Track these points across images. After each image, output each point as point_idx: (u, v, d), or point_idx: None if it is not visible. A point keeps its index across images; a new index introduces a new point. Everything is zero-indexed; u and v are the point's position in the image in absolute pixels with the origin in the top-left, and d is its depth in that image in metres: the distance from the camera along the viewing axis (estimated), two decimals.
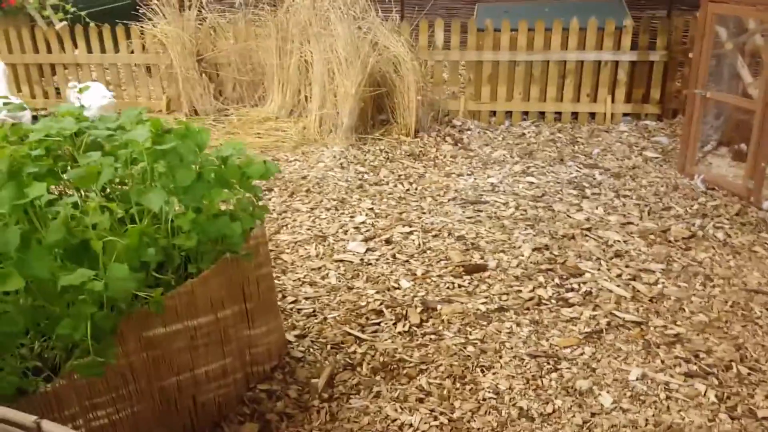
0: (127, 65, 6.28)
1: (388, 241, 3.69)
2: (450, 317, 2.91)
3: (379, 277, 3.30)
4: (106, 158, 1.91)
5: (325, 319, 2.94)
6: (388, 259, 3.50)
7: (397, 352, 2.66)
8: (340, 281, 3.27)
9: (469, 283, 3.21)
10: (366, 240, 3.72)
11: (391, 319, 2.91)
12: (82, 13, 6.30)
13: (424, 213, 4.05)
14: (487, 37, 5.66)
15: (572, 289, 3.13)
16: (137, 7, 6.12)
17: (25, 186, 1.57)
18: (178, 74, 5.97)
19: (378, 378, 2.52)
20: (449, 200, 4.23)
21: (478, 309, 2.97)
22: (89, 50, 6.25)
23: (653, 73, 5.59)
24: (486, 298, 3.07)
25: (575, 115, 5.78)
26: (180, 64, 5.91)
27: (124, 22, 6.14)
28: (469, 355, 2.63)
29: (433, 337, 2.77)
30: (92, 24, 6.04)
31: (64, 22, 6.92)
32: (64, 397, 1.67)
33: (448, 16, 7.36)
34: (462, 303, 3.02)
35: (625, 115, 5.73)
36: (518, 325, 2.84)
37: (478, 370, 2.55)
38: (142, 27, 6.06)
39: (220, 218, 2.07)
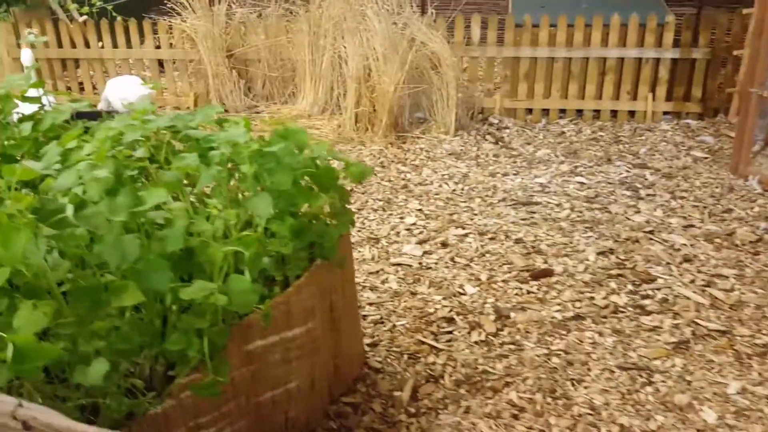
0: (153, 61, 6.14)
1: (444, 244, 3.57)
2: (526, 326, 2.78)
3: (441, 281, 3.18)
4: (203, 160, 1.78)
5: (394, 326, 2.82)
6: (447, 262, 3.37)
7: (478, 364, 2.54)
8: (401, 286, 3.15)
9: (538, 289, 3.09)
10: (421, 242, 3.59)
11: (465, 328, 2.78)
12: (109, 7, 6.15)
13: (475, 214, 3.93)
14: (525, 33, 5.54)
15: (647, 296, 3.01)
16: (162, 2, 5.96)
17: (134, 191, 1.44)
18: (207, 70, 5.83)
19: (463, 391, 2.40)
20: (499, 201, 4.10)
21: (553, 317, 2.85)
22: (114, 45, 6.10)
23: (695, 71, 5.47)
24: (559, 305, 2.95)
25: (614, 113, 5.66)
26: (210, 59, 5.77)
27: (146, 15, 6.01)
28: (555, 368, 2.51)
29: (512, 347, 2.65)
30: (119, 18, 5.89)
31: (85, 16, 6.78)
32: (172, 418, 1.54)
33: (468, 11, 7.21)
34: (536, 311, 2.90)
35: (665, 113, 5.61)
36: (600, 334, 2.72)
37: (568, 383, 2.43)
38: (170, 22, 5.91)
39: (316, 223, 1.95)
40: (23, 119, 2.19)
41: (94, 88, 6.29)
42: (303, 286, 1.97)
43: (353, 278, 2.31)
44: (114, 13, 6.08)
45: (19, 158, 1.98)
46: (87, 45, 6.12)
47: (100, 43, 6.13)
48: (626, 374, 2.47)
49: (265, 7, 5.90)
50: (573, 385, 2.42)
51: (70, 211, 1.30)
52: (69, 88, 6.32)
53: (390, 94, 5.02)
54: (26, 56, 5.03)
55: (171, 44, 5.99)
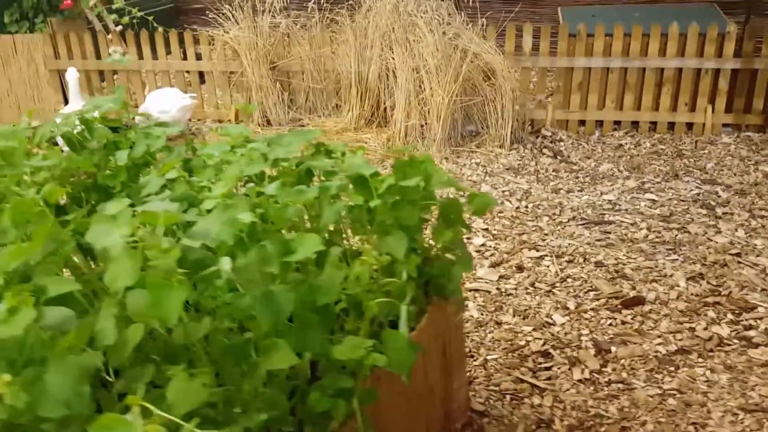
0: (194, 72, 6.00)
1: (519, 268, 3.38)
2: (630, 362, 2.60)
3: (526, 310, 2.99)
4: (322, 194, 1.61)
5: (486, 361, 2.64)
6: (527, 288, 3.19)
7: (588, 406, 2.35)
8: (483, 314, 2.97)
9: (632, 319, 2.90)
10: (494, 266, 3.41)
11: (564, 363, 2.60)
12: (150, 18, 6.02)
13: (546, 234, 3.74)
14: (579, 43, 5.35)
15: (751, 327, 2.82)
16: (204, 12, 5.83)
17: (283, 237, 1.26)
18: (250, 82, 5.69)
19: None
20: (569, 220, 3.92)
21: (657, 351, 2.66)
22: (154, 56, 5.97)
23: (756, 82, 5.27)
24: (659, 337, 2.76)
25: (671, 125, 5.46)
26: (254, 71, 5.63)
27: (187, 26, 5.88)
28: (673, 410, 2.32)
29: (620, 386, 2.46)
30: (160, 29, 5.76)
31: (120, 27, 6.66)
32: None
33: (518, 21, 7.04)
34: (636, 344, 2.71)
35: (724, 125, 5.40)
36: (712, 371, 2.53)
37: (691, 428, 2.23)
38: (211, 33, 5.78)
39: (439, 262, 1.77)
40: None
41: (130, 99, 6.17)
42: (424, 329, 1.80)
43: (463, 318, 2.14)
44: (155, 24, 5.94)
45: (116, 190, 1.82)
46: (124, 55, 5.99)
47: (126, 56, 6.00)
48: (751, 417, 2.28)
49: (310, 17, 5.75)
50: (696, 429, 2.23)
51: (227, 264, 1.13)
52: None
53: (445, 106, 4.85)
54: (72, 75, 4.89)
55: (211, 56, 5.86)
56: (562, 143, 5.24)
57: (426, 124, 5.04)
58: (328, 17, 5.77)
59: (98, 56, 6.06)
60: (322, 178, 2.04)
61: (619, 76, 5.38)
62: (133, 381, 1.11)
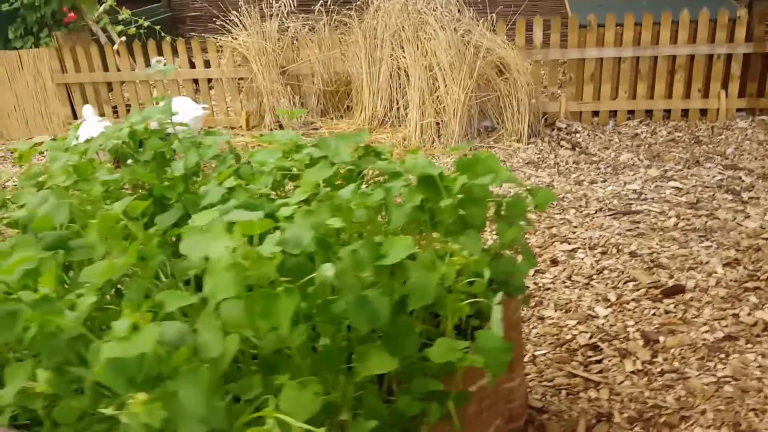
0: (203, 80, 5.97)
1: (554, 261, 3.37)
2: (680, 351, 2.58)
3: (567, 303, 2.98)
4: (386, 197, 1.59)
5: (535, 357, 2.62)
6: (564, 281, 3.17)
7: (645, 397, 2.34)
8: (525, 310, 2.95)
9: (675, 308, 2.89)
10: None
11: (614, 356, 2.58)
12: (157, 27, 5.99)
13: (575, 227, 3.73)
14: (590, 34, 5.34)
15: None
16: (200, 20, 5.80)
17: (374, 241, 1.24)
18: (261, 87, 5.66)
19: (639, 429, 2.19)
20: (596, 211, 3.91)
21: (705, 339, 2.65)
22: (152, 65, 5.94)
23: None
24: (705, 325, 2.75)
25: (685, 112, 5.45)
26: (264, 76, 5.60)
27: (193, 34, 5.85)
28: (730, 397, 2.31)
29: (674, 376, 2.45)
30: (167, 38, 5.73)
31: (123, 38, 6.63)
32: None
33: (524, 14, 7.03)
34: (683, 333, 2.69)
35: (738, 110, 5.40)
36: (763, 356, 2.52)
37: (752, 415, 2.22)
38: (219, 40, 5.75)
39: (504, 259, 1.76)
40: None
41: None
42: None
43: (520, 314, 2.12)
44: (162, 33, 5.91)
45: (172, 201, 1.79)
46: (134, 67, 5.96)
47: (136, 67, 5.97)
48: None
49: (317, 20, 5.73)
50: (757, 416, 2.22)
51: (329, 270, 1.11)
52: (116, 112, 6.17)
53: (461, 103, 4.84)
54: (88, 111, 4.82)
55: (220, 63, 5.83)
56: (578, 135, 5.23)
57: (442, 121, 5.02)
58: (335, 19, 5.74)
59: (105, 68, 6.03)
60: (377, 180, 2.03)
61: (631, 66, 5.37)
62: (240, 392, 1.09)
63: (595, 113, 5.55)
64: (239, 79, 5.87)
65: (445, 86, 4.94)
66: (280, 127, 5.75)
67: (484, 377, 1.76)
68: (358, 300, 1.18)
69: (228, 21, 5.71)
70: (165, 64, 2.72)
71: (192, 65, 5.91)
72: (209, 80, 6.01)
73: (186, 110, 5.36)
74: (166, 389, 0.90)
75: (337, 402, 1.17)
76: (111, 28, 6.51)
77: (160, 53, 5.87)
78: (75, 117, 6.18)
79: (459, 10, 5.33)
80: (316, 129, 5.66)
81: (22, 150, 2.11)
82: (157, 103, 2.19)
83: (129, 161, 2.13)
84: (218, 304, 1.13)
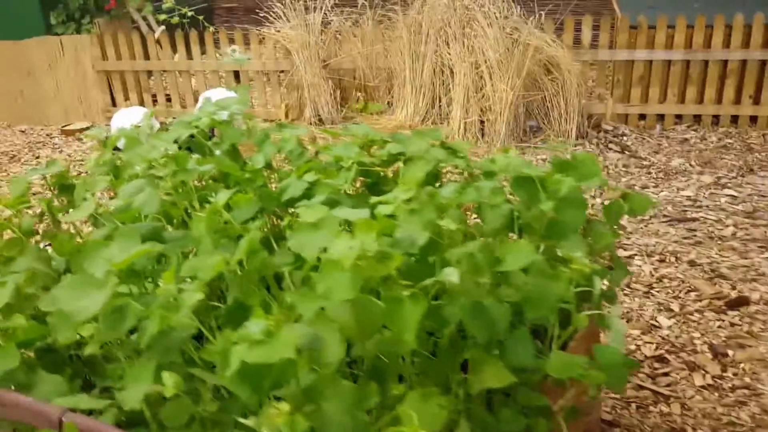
0: (245, 72, 5.93)
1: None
2: (750, 366, 2.49)
3: (628, 312, 2.89)
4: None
5: None
6: (623, 289, 3.08)
7: (718, 413, 2.25)
8: None
9: (741, 321, 2.79)
10: None
11: (682, 368, 2.49)
12: (200, 17, 5.96)
13: (630, 233, 3.63)
14: (640, 35, 5.23)
15: None
16: (254, 12, 5.76)
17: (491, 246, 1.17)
18: (302, 81, 5.61)
19: None
20: (650, 217, 3.80)
21: None
22: (189, 56, 5.91)
23: None
24: None
25: (734, 118, 5.32)
26: (306, 69, 5.55)
27: (237, 26, 5.82)
28: None
29: (746, 392, 2.35)
30: (210, 28, 5.69)
31: (162, 27, 6.61)
32: None
33: (571, 13, 6.91)
34: (752, 347, 2.60)
35: None
36: None
37: None
38: (262, 31, 5.71)
39: (595, 267, 1.68)
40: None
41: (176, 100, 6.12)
42: (579, 339, 1.70)
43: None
44: (205, 23, 5.88)
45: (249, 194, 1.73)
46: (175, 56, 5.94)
47: (176, 56, 5.95)
48: None
49: (361, 14, 5.66)
50: None
51: (453, 275, 1.04)
52: (155, 101, 6.15)
53: (508, 102, 4.75)
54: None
55: (261, 54, 5.79)
56: (625, 137, 5.12)
57: (487, 120, 4.94)
58: (379, 13, 5.67)
59: (146, 57, 6.01)
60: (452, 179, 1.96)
61: (681, 69, 5.25)
62: (358, 402, 1.03)
63: (642, 116, 5.43)
64: (281, 71, 5.82)
65: (492, 84, 4.85)
66: (320, 121, 5.69)
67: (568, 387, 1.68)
68: (474, 307, 1.11)
69: (271, 13, 5.66)
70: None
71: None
72: (236, 72, 5.97)
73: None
74: (308, 399, 0.84)
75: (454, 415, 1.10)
76: (152, 17, 6.49)
77: (202, 43, 5.84)
78: (114, 104, 6.18)
79: (506, 7, 5.23)
80: (356, 124, 5.58)
81: (94, 136, 2.07)
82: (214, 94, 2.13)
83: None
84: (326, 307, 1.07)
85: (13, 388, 1.06)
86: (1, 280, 1.10)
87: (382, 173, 1.98)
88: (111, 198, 2.00)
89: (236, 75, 5.97)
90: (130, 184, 1.42)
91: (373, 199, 1.40)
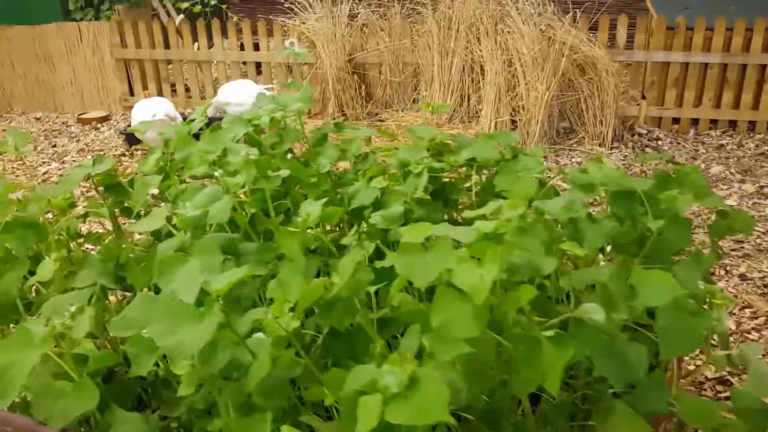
0: (267, 64, 5.79)
1: None
2: None
3: None
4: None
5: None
6: None
7: None
8: None
9: None
10: None
11: None
12: (224, 6, 5.81)
13: None
14: (677, 37, 5.07)
15: None
16: (279, 2, 5.61)
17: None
18: (327, 75, 5.46)
19: None
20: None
21: None
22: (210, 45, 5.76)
23: None
24: None
25: None
26: (332, 63, 5.40)
27: (261, 16, 5.67)
28: None
29: None
30: (234, 18, 5.54)
31: (182, 15, 6.46)
32: None
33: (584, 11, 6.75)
34: None
35: None
36: None
37: None
38: (286, 23, 5.56)
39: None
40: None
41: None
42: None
43: None
44: (229, 14, 5.73)
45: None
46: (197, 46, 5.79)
47: (196, 45, 5.81)
48: None
49: (389, 7, 5.51)
50: None
51: (598, 313, 0.90)
52: (174, 91, 6.01)
53: (544, 102, 4.60)
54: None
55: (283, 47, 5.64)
56: (660, 142, 4.97)
57: (520, 120, 4.79)
58: (407, 7, 5.52)
59: (167, 45, 5.86)
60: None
61: (718, 72, 5.09)
62: None
63: (675, 120, 5.28)
64: (303, 64, 5.67)
65: (526, 83, 4.70)
66: (344, 116, 5.55)
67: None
68: (607, 348, 0.98)
69: (295, 3, 5.51)
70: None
71: (242, 48, 5.73)
72: (258, 64, 5.81)
73: (250, 93, 5.18)
74: None
75: None
76: (171, 4, 6.34)
77: (225, 34, 5.69)
78: (132, 93, 6.04)
79: (539, 4, 5.08)
80: (382, 121, 5.45)
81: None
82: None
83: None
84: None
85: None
86: (78, 305, 0.96)
87: (450, 180, 1.85)
88: (155, 198, 1.86)
89: (257, 66, 5.82)
90: (204, 191, 1.28)
91: (468, 214, 1.26)
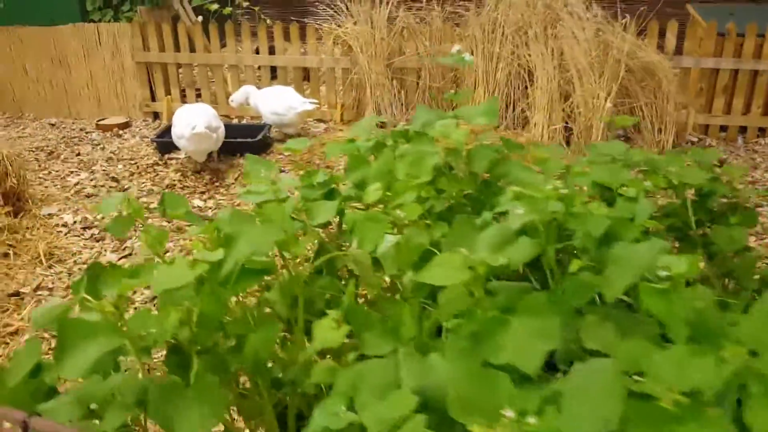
0: (298, 69, 5.55)
1: None
2: None
3: None
4: None
5: None
6: None
7: None
8: None
9: None
10: None
11: None
12: (256, 9, 5.56)
13: None
14: (728, 43, 4.97)
15: None
16: (312, 4, 5.39)
17: None
18: (365, 80, 5.25)
19: None
20: None
21: None
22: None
23: None
24: None
25: None
26: (371, 68, 5.19)
27: (294, 19, 5.44)
28: None
29: None
30: (267, 20, 5.30)
31: (200, 17, 6.21)
32: None
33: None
34: None
35: None
36: None
37: None
38: (321, 26, 5.33)
39: None
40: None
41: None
42: None
43: None
44: (262, 16, 5.48)
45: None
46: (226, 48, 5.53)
47: (223, 49, 5.57)
48: None
49: (429, 10, 5.32)
50: None
51: None
52: (198, 96, 5.73)
53: (603, 110, 4.45)
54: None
55: (319, 51, 5.42)
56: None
57: (576, 127, 4.63)
58: (448, 10, 5.34)
59: (192, 49, 5.59)
60: None
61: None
62: None
63: (723, 128, 5.18)
64: (340, 69, 5.46)
65: (582, 90, 4.54)
66: (382, 122, 5.32)
67: None
68: None
69: (334, 6, 5.29)
70: (468, 56, 2.18)
71: (272, 51, 5.50)
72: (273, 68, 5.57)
73: (290, 103, 4.96)
74: None
75: None
76: (186, 6, 6.08)
77: (254, 36, 5.45)
78: (153, 99, 5.75)
79: (587, 8, 4.94)
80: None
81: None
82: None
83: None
84: None
85: None
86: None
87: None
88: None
89: (272, 70, 5.56)
90: (490, 230, 1.05)
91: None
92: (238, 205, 4.12)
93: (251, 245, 0.98)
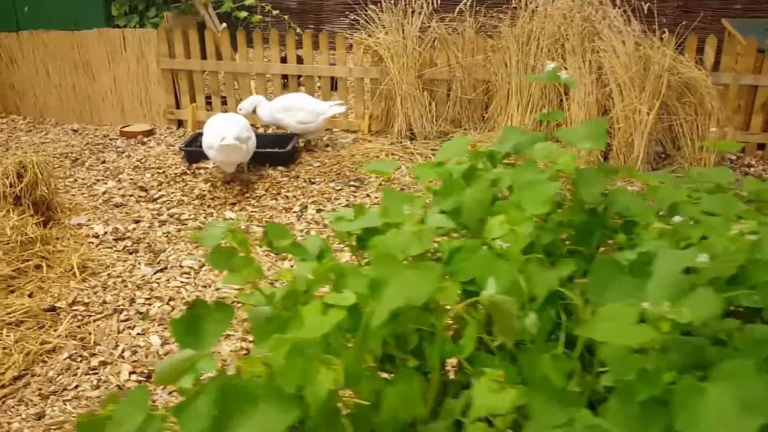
0: (326, 78, 5.46)
1: None
2: None
3: None
4: None
5: None
6: None
7: None
8: None
9: None
10: None
11: None
12: (285, 16, 5.47)
13: None
14: (767, 60, 4.87)
15: None
16: (343, 14, 5.30)
17: None
18: (396, 90, 5.15)
19: None
20: None
21: None
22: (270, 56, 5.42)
23: None
24: None
25: None
26: (402, 79, 5.09)
27: (322, 28, 5.34)
28: None
29: None
30: (296, 29, 5.21)
31: (224, 25, 6.12)
32: None
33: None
34: None
35: None
36: None
37: None
38: (351, 36, 5.24)
39: None
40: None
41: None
42: None
43: None
44: (291, 25, 5.39)
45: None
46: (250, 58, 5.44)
47: (237, 55, 5.48)
48: None
49: (461, 21, 5.22)
50: None
51: None
52: (224, 103, 5.63)
53: (647, 126, 4.34)
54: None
55: (347, 61, 5.33)
56: (752, 168, 4.75)
57: (616, 143, 4.52)
58: (480, 22, 5.25)
59: (219, 57, 5.50)
60: None
61: None
62: None
63: (760, 146, 5.07)
64: (369, 79, 5.37)
65: (623, 105, 4.44)
66: (412, 135, 5.23)
67: None
68: None
69: (364, 16, 5.20)
70: (566, 74, 2.03)
71: (300, 60, 5.41)
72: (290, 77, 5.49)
73: (310, 108, 4.88)
74: None
75: None
76: (238, 14, 5.97)
77: (283, 44, 5.36)
78: (178, 106, 5.66)
79: (626, 21, 4.84)
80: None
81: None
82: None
83: None
84: None
85: None
86: None
87: None
88: None
89: (283, 78, 5.46)
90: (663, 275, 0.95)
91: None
92: (270, 218, 4.01)
93: (404, 295, 0.88)
